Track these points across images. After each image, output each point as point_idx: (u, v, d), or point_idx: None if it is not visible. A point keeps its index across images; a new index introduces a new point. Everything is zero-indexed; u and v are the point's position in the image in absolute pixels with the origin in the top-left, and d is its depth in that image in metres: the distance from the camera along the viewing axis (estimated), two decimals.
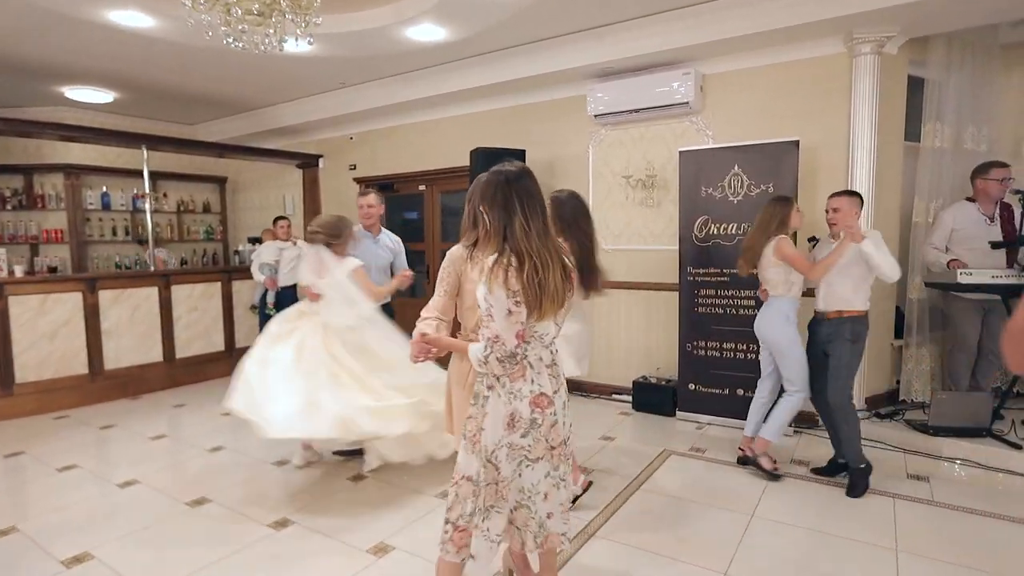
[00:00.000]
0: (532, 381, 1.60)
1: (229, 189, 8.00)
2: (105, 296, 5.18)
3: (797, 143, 3.94)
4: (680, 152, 4.37)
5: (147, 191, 5.75)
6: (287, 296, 5.25)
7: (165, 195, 7.28)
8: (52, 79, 5.46)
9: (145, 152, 5.64)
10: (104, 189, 6.72)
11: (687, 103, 4.39)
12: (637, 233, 4.91)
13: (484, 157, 4.75)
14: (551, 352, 1.68)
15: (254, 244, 7.08)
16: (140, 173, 6.86)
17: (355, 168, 6.72)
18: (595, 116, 4.82)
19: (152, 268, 5.61)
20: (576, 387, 5.22)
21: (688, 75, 4.35)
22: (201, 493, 3.15)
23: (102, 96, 5.96)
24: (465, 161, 5.47)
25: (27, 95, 5.88)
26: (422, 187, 6.29)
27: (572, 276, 1.65)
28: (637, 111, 4.63)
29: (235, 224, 8.03)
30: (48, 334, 4.86)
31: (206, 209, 7.75)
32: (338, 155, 6.91)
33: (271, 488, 3.26)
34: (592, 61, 4.61)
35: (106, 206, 6.73)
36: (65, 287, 4.98)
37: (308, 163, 7.03)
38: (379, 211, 3.89)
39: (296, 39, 3.23)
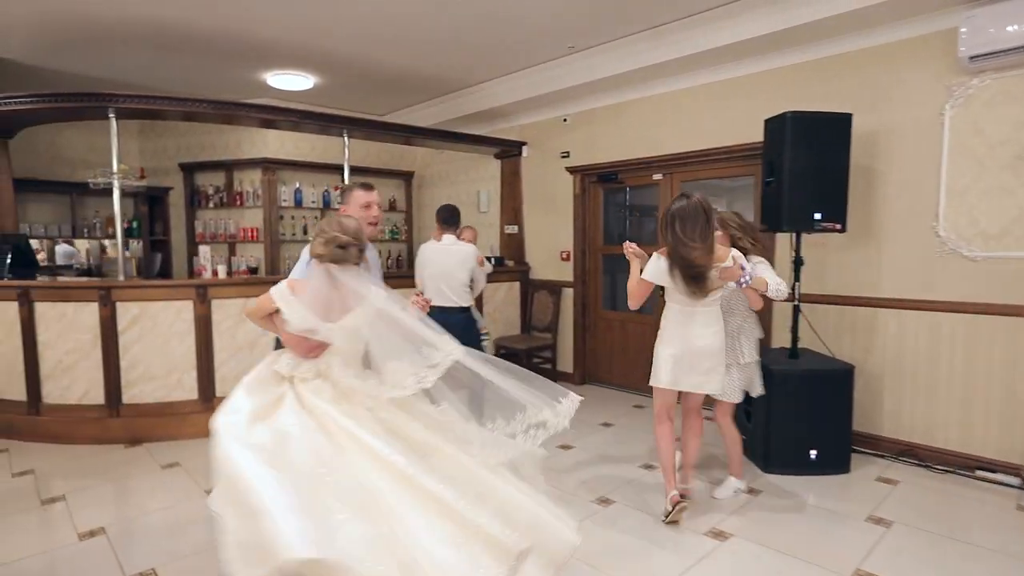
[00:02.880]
0: None
1: (415, 184, 7.35)
2: None
3: None
4: None
5: (346, 182, 5.07)
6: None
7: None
8: (254, 62, 4.97)
9: (346, 138, 4.96)
10: (297, 185, 6.28)
11: None
12: None
13: (794, 124, 3.36)
14: None
15: None
16: (332, 168, 6.41)
17: (568, 156, 5.62)
18: (970, 58, 3.22)
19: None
20: (906, 451, 3.63)
21: None
22: None
23: (303, 82, 5.43)
24: (723, 141, 4.36)
25: (229, 83, 5.49)
26: (658, 176, 5.01)
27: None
28: None
29: (420, 223, 7.35)
30: (248, 344, 4.27)
31: (392, 207, 7.14)
32: (544, 142, 5.86)
33: None
34: None
35: (298, 203, 6.29)
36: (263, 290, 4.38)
37: (509, 152, 6.07)
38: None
39: None
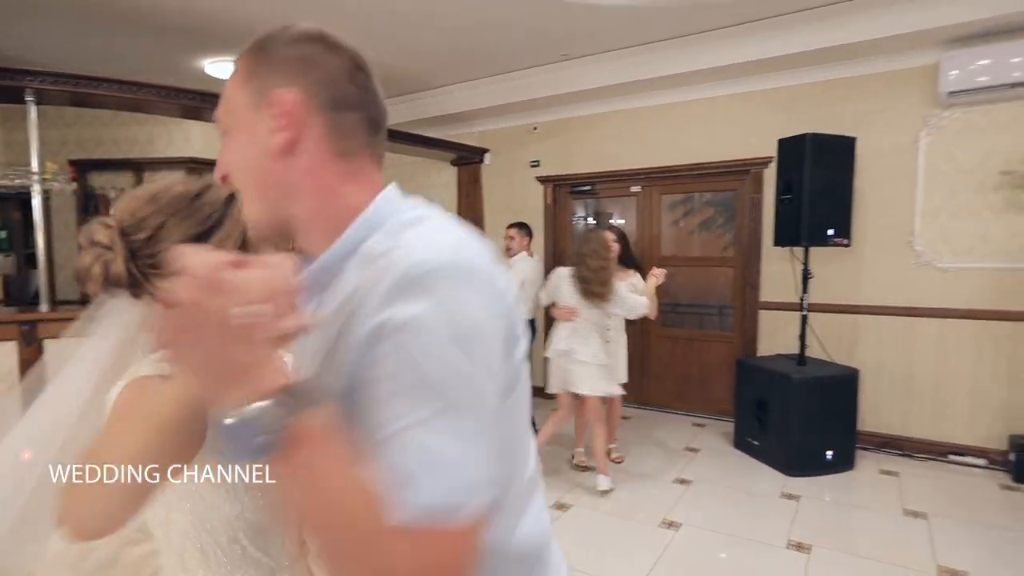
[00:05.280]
0: None
1: None
2: None
3: None
4: None
5: None
6: None
7: None
8: (190, 44, 4.19)
9: None
10: None
11: None
12: (1001, 248, 3.72)
13: (813, 144, 3.56)
14: None
15: None
16: None
17: (538, 165, 5.49)
18: (948, 93, 3.64)
19: None
20: (886, 443, 4.03)
21: None
22: None
23: None
24: (708, 157, 4.58)
25: (159, 68, 4.60)
26: (636, 189, 5.07)
27: None
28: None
29: None
30: None
31: None
32: (510, 149, 5.68)
33: None
34: (953, 21, 3.46)
35: None
36: None
37: (468, 158, 5.79)
38: None
39: None
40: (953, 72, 3.59)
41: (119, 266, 0.81)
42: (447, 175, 6.02)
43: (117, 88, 3.50)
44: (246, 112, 0.65)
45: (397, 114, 5.81)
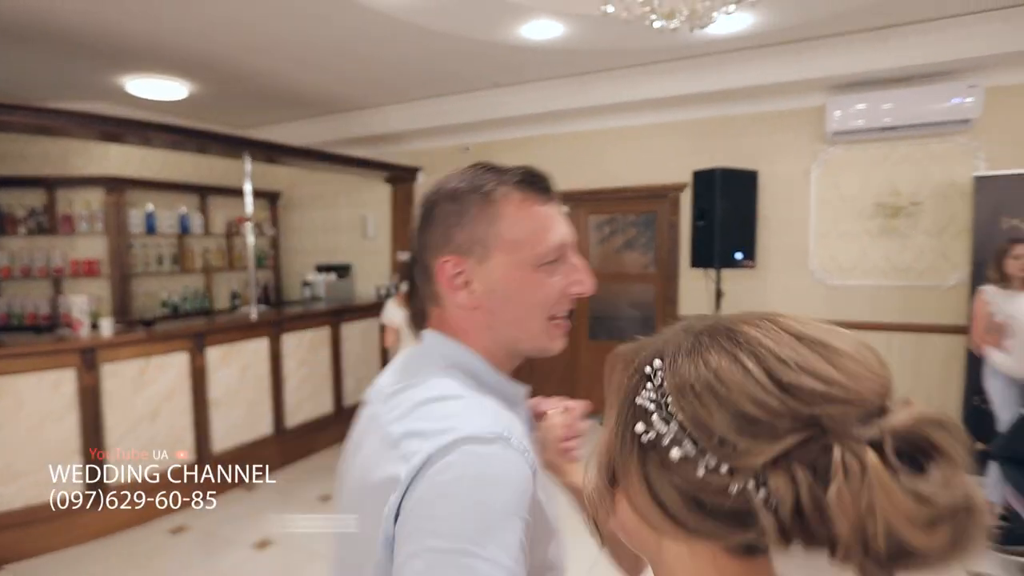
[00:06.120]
0: None
1: (282, 206, 6.65)
2: (213, 355, 3.88)
3: None
4: (976, 177, 3.78)
5: (247, 211, 4.44)
6: None
7: (204, 212, 5.86)
8: (112, 62, 4.07)
9: (248, 164, 4.34)
10: (150, 208, 5.25)
11: (966, 121, 3.83)
12: (876, 267, 4.28)
13: (722, 177, 3.97)
14: None
15: (336, 273, 5.86)
16: (190, 188, 5.58)
17: None
18: (833, 133, 4.16)
19: (253, 312, 4.30)
20: None
21: (974, 89, 3.77)
22: None
23: (174, 91, 4.60)
24: (631, 181, 4.95)
25: (75, 86, 4.41)
26: (565, 209, 5.34)
27: None
28: (893, 128, 4.01)
29: (290, 249, 6.67)
30: (149, 414, 3.53)
31: (257, 231, 6.36)
32: (442, 169, 5.73)
33: None
34: (837, 71, 3.97)
35: (151, 229, 5.26)
36: (169, 346, 3.65)
37: (402, 177, 5.88)
38: None
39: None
40: (836, 113, 4.10)
41: None
42: (381, 192, 6.08)
43: (33, 116, 3.39)
44: None
45: (330, 132, 5.83)
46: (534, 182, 0.78)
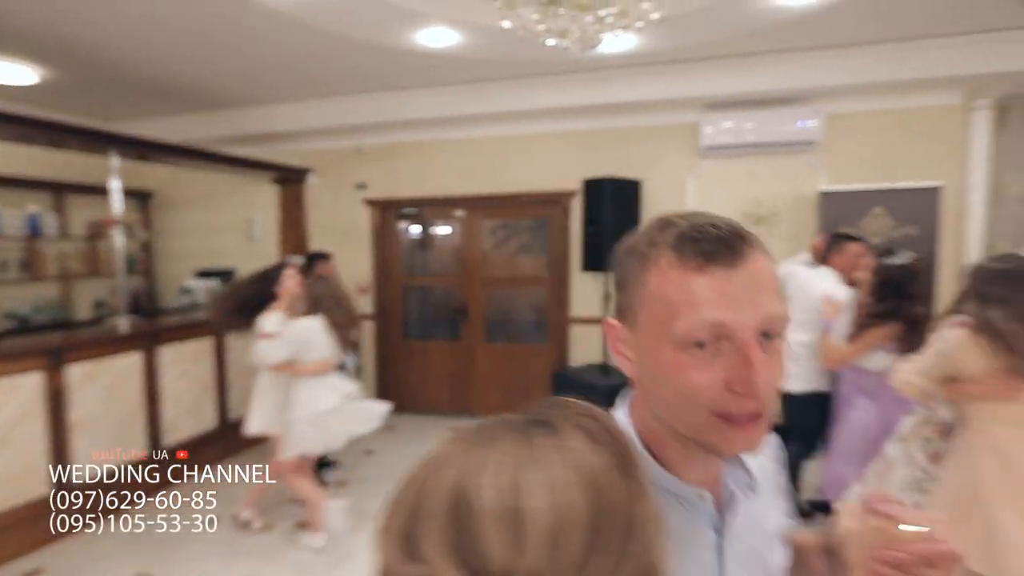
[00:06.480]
0: None
1: (154, 207, 6.11)
2: (75, 373, 3.51)
3: (937, 189, 4.10)
4: (822, 192, 4.30)
5: (115, 212, 4.05)
6: None
7: (60, 212, 5.27)
8: None
9: (116, 160, 3.96)
10: None
11: (811, 142, 4.35)
12: None
13: (609, 187, 4.21)
14: None
15: (219, 279, 5.50)
16: (42, 185, 5.02)
17: (365, 187, 5.55)
18: (706, 147, 4.55)
19: (123, 323, 3.92)
20: None
21: (818, 113, 4.30)
22: None
23: (22, 75, 4.09)
24: (525, 187, 5.09)
25: None
26: (460, 213, 5.41)
27: None
28: (755, 146, 4.46)
29: (166, 253, 6.15)
30: None
31: (127, 233, 5.80)
32: (336, 170, 5.65)
33: None
34: (709, 92, 4.37)
35: None
36: (19, 366, 3.25)
37: (291, 177, 5.63)
38: None
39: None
40: (708, 130, 4.49)
41: None
42: (269, 193, 5.78)
43: None
44: None
45: (214, 129, 5.47)
46: (695, 240, 0.62)
